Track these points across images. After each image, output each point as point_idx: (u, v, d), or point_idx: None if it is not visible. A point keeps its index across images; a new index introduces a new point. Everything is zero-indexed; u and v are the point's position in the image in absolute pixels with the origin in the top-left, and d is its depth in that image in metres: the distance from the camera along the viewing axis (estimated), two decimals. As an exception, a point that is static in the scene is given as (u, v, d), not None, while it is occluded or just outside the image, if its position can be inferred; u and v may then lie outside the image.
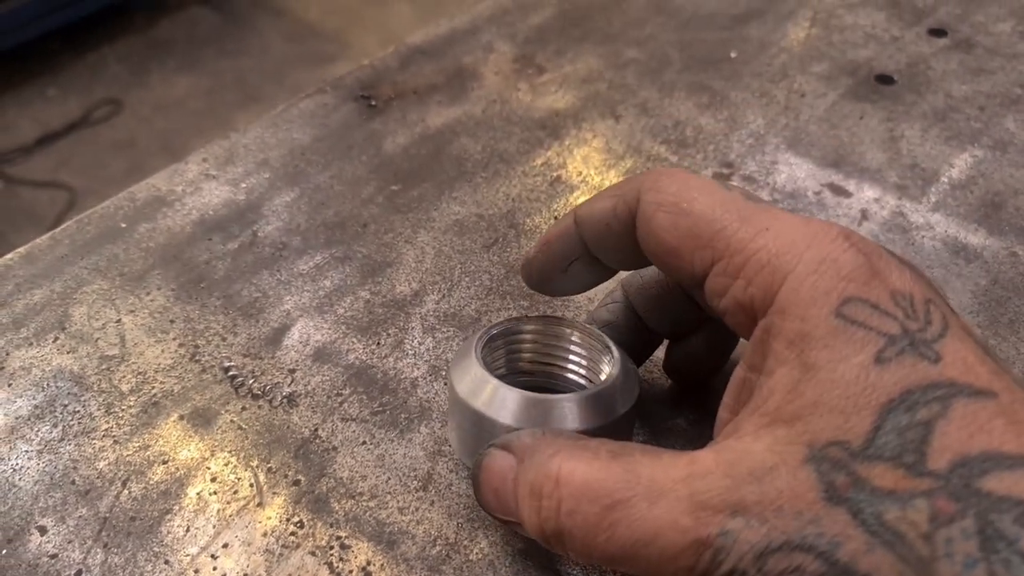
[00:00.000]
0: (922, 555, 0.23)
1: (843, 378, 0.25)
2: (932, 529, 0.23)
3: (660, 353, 0.42)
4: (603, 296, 0.41)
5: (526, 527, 0.30)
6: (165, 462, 0.39)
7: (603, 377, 0.36)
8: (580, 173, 0.55)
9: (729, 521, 0.25)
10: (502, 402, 0.33)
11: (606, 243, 0.35)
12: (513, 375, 0.38)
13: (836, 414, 0.25)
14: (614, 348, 0.36)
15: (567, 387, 0.38)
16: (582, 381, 0.38)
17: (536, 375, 0.39)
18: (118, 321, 0.45)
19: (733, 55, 0.66)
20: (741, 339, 0.39)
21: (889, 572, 0.23)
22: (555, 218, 0.52)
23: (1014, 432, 0.24)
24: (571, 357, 0.38)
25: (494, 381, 0.34)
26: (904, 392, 0.25)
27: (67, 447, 0.40)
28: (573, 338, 0.38)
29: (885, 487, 0.24)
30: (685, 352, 0.40)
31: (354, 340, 0.44)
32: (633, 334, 0.39)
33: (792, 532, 0.24)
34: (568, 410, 0.33)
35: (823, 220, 0.29)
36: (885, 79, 0.63)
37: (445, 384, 0.42)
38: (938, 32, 0.68)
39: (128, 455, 0.39)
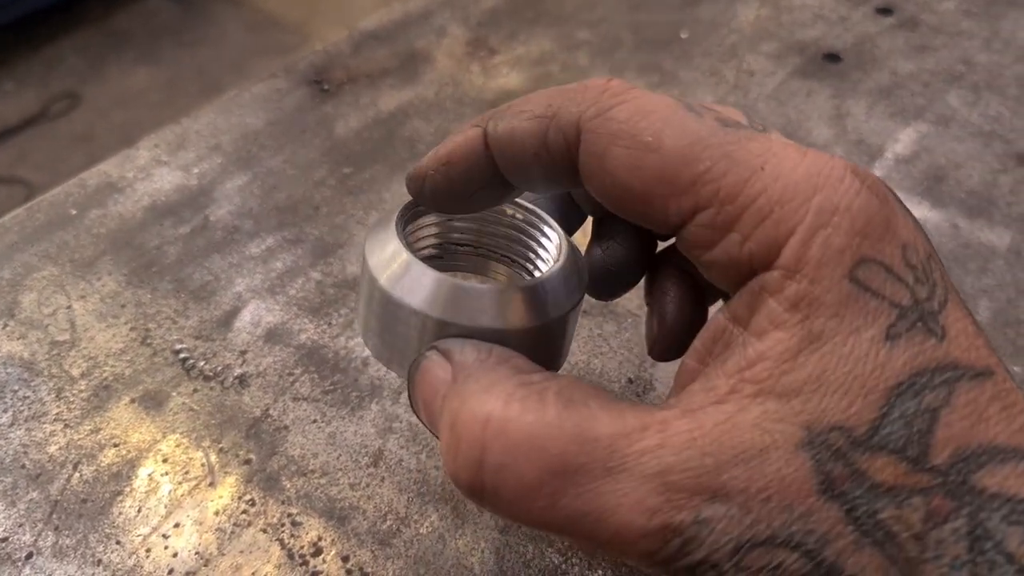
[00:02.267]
0: (911, 556, 0.21)
1: (852, 354, 0.23)
2: (925, 530, 0.21)
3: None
4: None
5: (443, 463, 0.26)
6: (116, 445, 0.39)
7: (544, 268, 0.31)
8: (532, 153, 0.56)
9: (706, 507, 0.22)
10: (414, 282, 0.28)
11: (531, 174, 0.28)
12: (438, 258, 0.33)
13: (840, 395, 0.22)
14: (559, 231, 0.31)
15: (502, 276, 0.34)
16: (521, 272, 0.33)
17: (467, 260, 0.34)
18: (68, 307, 0.45)
19: (684, 36, 0.66)
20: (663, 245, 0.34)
21: (875, 572, 0.21)
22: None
23: (1006, 419, 0.23)
24: (511, 243, 0.33)
25: (407, 256, 0.28)
26: (913, 375, 0.23)
27: (17, 432, 0.40)
28: (514, 219, 0.32)
29: (884, 482, 0.22)
30: (605, 254, 0.33)
31: (305, 321, 0.45)
32: (559, 210, 0.33)
33: (778, 527, 0.22)
34: (493, 304, 0.27)
35: (821, 152, 0.25)
36: (832, 57, 0.64)
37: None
38: (885, 11, 0.69)
39: (79, 439, 0.39)
